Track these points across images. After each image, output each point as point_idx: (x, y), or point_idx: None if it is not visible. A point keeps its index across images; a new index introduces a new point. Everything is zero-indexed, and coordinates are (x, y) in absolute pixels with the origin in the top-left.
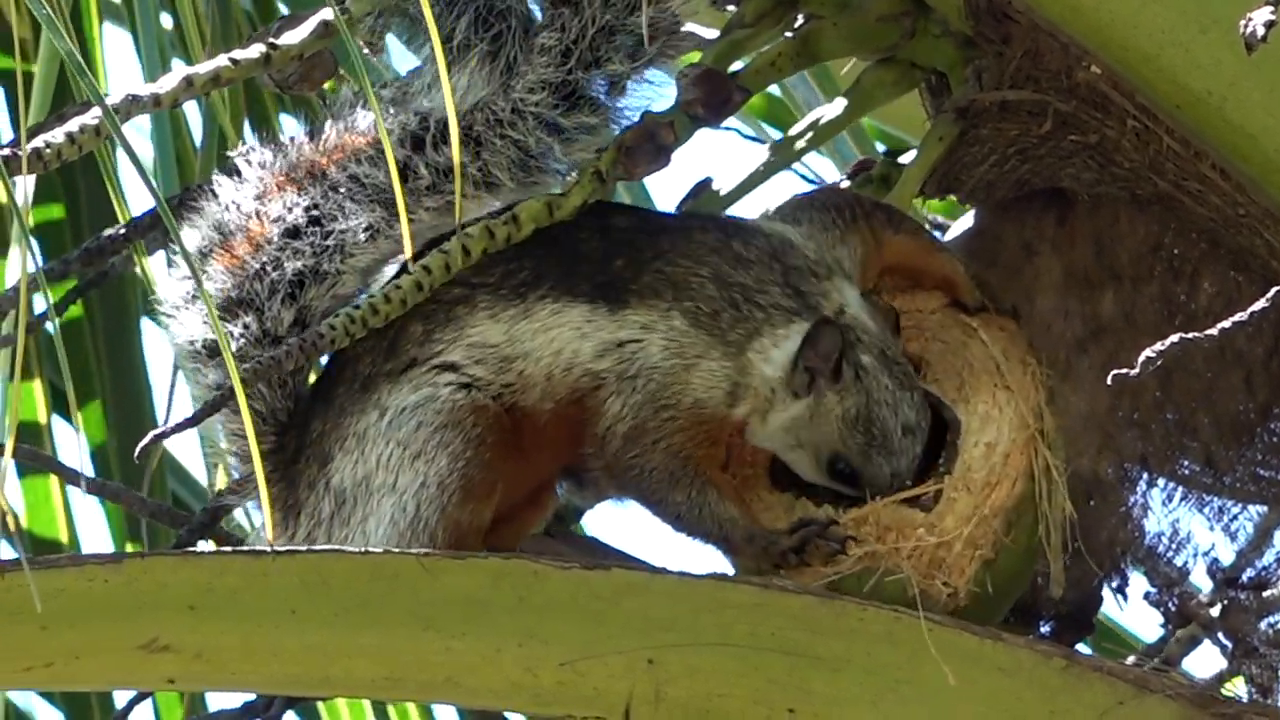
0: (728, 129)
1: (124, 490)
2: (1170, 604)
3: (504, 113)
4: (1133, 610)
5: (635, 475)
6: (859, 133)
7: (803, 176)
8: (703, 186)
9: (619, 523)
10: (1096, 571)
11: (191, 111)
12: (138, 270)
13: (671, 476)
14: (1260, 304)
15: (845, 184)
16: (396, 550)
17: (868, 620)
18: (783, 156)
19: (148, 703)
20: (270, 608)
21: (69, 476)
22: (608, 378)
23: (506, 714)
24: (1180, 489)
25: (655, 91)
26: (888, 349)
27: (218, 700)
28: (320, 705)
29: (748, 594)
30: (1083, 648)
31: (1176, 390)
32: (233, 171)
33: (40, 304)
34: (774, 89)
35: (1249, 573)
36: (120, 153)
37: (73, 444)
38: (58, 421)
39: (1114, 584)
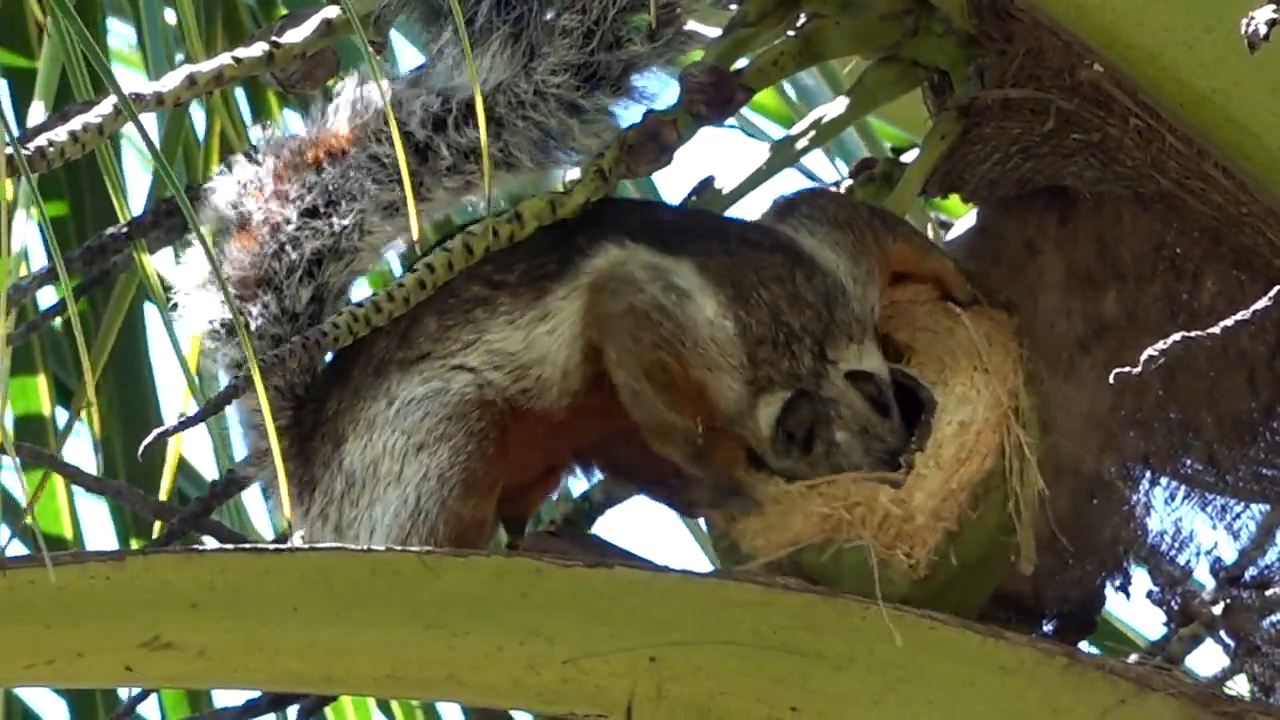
0: (731, 126)
1: (125, 488)
2: (1173, 603)
3: (526, 94)
4: (1136, 607)
5: (623, 351)
6: (869, 134)
7: (806, 174)
8: (706, 184)
9: (622, 522)
10: (1099, 570)
11: (194, 110)
12: (145, 263)
13: (650, 373)
14: (1263, 302)
15: (848, 182)
16: (398, 548)
17: (870, 618)
18: (785, 155)
19: (152, 699)
20: (272, 605)
21: (71, 474)
22: (638, 267)
23: (510, 712)
24: (1183, 488)
25: (661, 85)
26: (871, 426)
27: (224, 697)
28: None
29: (750, 592)
30: (1085, 645)
31: (1179, 389)
32: (251, 153)
33: (43, 302)
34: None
35: (1252, 571)
36: (124, 150)
37: (77, 440)
38: (62, 417)
39: (1117, 582)
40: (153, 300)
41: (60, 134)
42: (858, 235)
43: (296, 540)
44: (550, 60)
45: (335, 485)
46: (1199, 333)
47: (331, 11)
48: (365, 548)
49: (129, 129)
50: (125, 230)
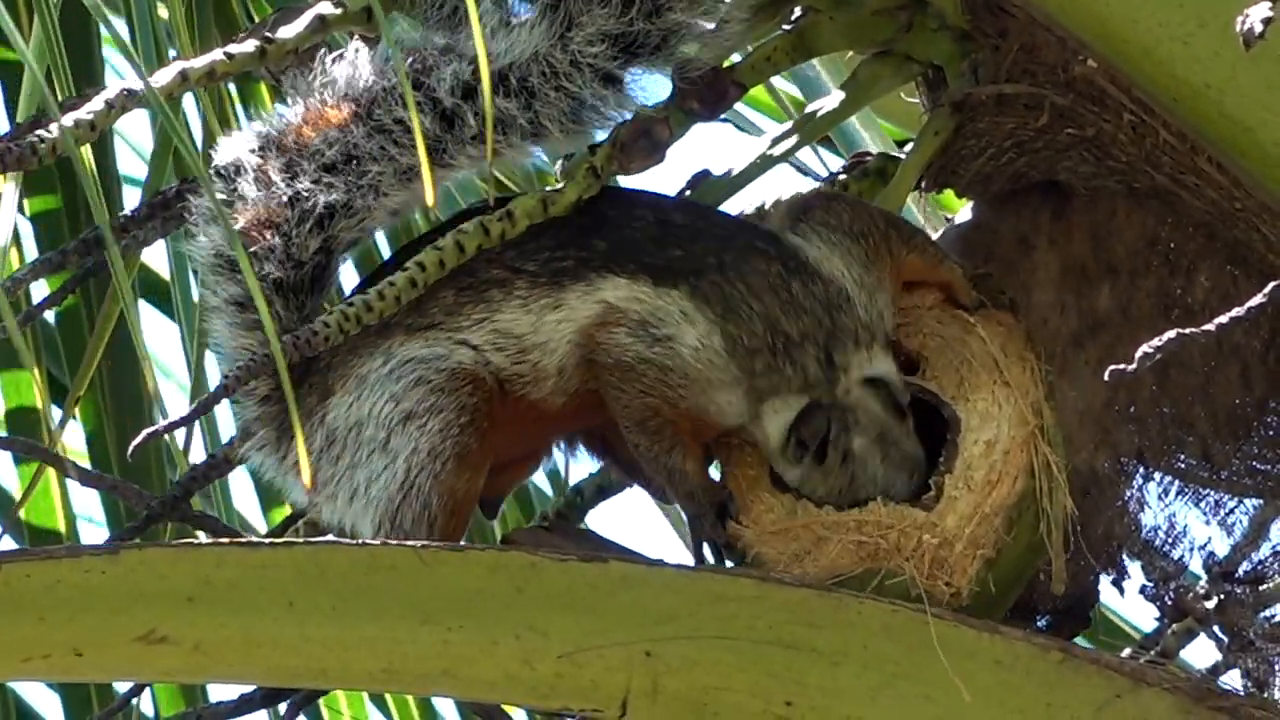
0: (724, 121)
1: (119, 483)
2: (1167, 598)
3: (561, 64)
4: (1131, 600)
5: (611, 396)
6: (873, 128)
7: (799, 169)
8: (701, 178)
9: (617, 517)
10: (1093, 566)
11: (188, 106)
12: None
13: (642, 424)
14: (1258, 299)
15: (842, 177)
16: (393, 543)
17: (866, 614)
18: (779, 149)
19: (146, 693)
20: (268, 599)
21: (63, 468)
22: (631, 318)
23: (505, 707)
24: (1177, 483)
25: (655, 82)
26: (889, 432)
27: (219, 692)
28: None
29: (746, 587)
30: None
31: (1173, 384)
32: (285, 95)
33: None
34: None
35: (1245, 566)
36: (117, 144)
37: (71, 432)
38: (56, 412)
39: (1112, 577)
40: (149, 300)
41: (53, 129)
42: (871, 245)
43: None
44: (588, 30)
45: (315, 439)
46: (1195, 329)
47: (324, 7)
48: (360, 542)
49: (121, 125)
50: (120, 222)
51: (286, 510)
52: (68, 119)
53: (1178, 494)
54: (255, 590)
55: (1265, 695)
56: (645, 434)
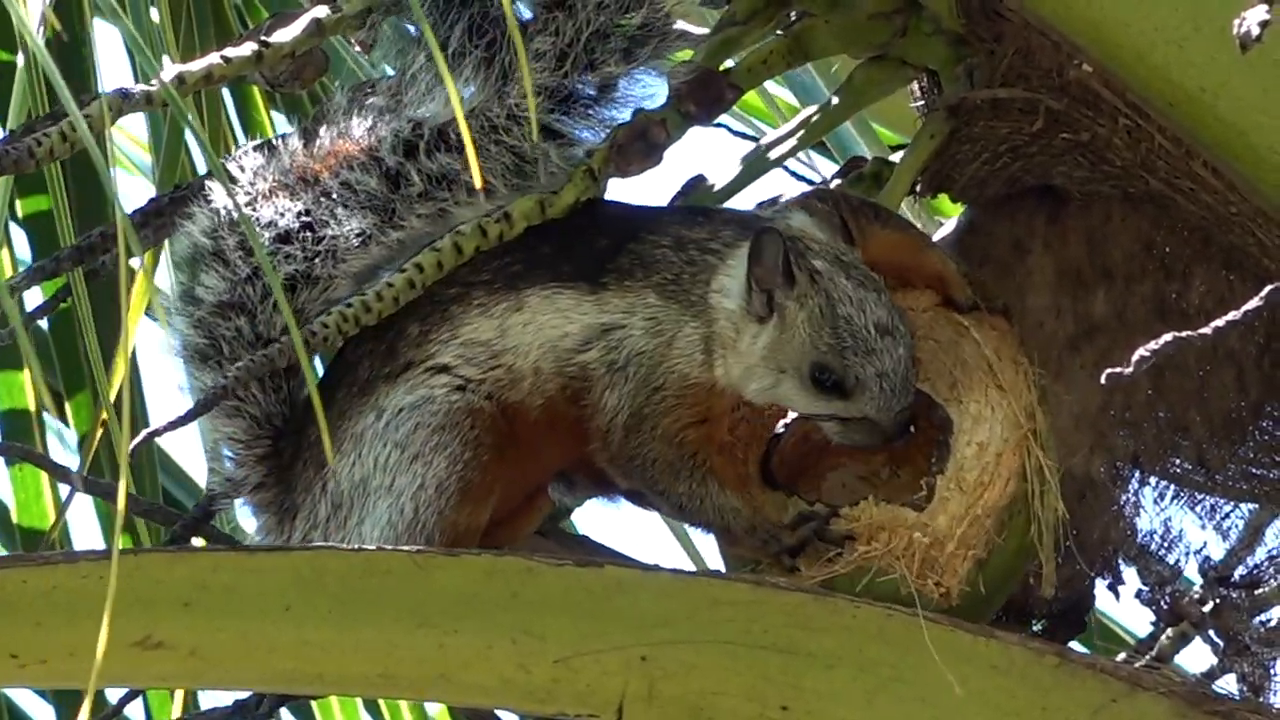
0: (719, 125)
1: (114, 488)
2: (1162, 602)
3: (499, 119)
4: (1126, 604)
5: (639, 465)
6: (868, 133)
7: (793, 174)
8: (695, 183)
9: (610, 522)
10: (1089, 570)
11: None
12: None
13: (672, 467)
14: (1253, 303)
15: (837, 182)
16: (389, 547)
17: (861, 617)
18: (773, 154)
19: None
20: (264, 604)
21: (59, 474)
22: (597, 370)
23: (499, 712)
24: (1172, 487)
25: (647, 90)
26: (843, 255)
27: (210, 699)
28: (313, 703)
29: (741, 591)
30: (1076, 644)
31: (1168, 388)
32: (229, 173)
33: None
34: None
35: (1241, 571)
36: (113, 149)
37: (64, 438)
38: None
39: (1107, 581)
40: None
41: (50, 133)
42: (819, 201)
43: None
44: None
45: (319, 510)
46: (1191, 333)
47: (321, 11)
48: (357, 547)
49: (119, 127)
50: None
51: None
52: (65, 122)
53: (1173, 498)
54: (252, 595)
55: (1260, 699)
56: (680, 480)
